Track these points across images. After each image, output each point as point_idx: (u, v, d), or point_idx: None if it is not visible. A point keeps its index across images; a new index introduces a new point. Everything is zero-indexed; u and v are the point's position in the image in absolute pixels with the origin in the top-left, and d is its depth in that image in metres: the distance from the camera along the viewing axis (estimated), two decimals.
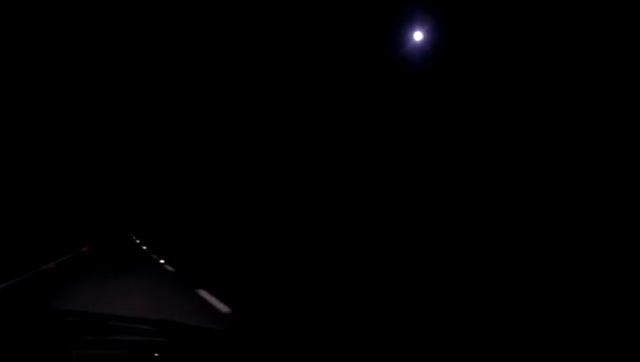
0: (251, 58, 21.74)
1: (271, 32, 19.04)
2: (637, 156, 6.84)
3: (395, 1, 11.94)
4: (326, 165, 15.94)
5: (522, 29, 8.70)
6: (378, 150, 13.12)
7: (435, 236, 10.56)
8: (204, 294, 7.50)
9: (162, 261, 15.03)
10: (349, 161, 14.57)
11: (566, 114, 8.00)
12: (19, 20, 21.71)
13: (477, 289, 7.45)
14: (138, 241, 35.18)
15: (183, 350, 1.59)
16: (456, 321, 5.53)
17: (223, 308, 6.50)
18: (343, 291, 8.18)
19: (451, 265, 9.28)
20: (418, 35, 11.08)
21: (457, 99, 10.42)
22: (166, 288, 8.54)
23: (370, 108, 13.32)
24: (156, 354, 1.51)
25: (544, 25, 8.28)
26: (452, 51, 10.47)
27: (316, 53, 15.82)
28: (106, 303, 6.32)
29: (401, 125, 12.17)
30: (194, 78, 31.78)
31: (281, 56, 18.77)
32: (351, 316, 5.86)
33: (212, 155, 32.64)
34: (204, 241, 24.99)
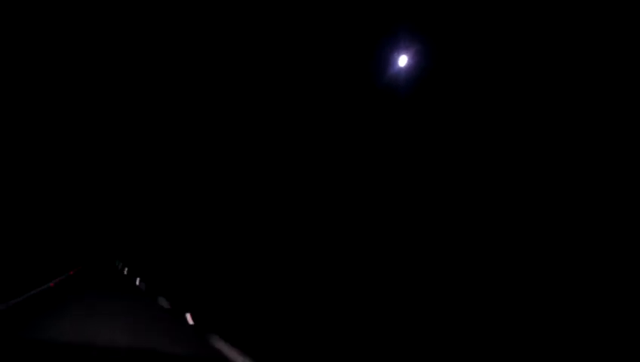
0: (235, 82, 21.76)
1: (262, 48, 19.09)
2: (637, 156, 6.82)
3: (380, 26, 12.02)
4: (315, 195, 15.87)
5: (509, 52, 8.76)
6: (366, 171, 13.09)
7: (435, 238, 10.50)
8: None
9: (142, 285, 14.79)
10: (337, 185, 14.51)
11: (557, 138, 8.00)
12: (19, 20, 21.53)
13: (477, 289, 7.37)
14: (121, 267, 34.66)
15: None
16: (456, 321, 5.47)
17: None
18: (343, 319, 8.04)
19: (452, 265, 9.20)
20: (403, 60, 11.13)
21: (444, 123, 10.43)
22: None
23: (357, 131, 13.32)
24: None
25: (531, 45, 8.34)
26: (437, 75, 10.52)
27: (300, 78, 15.87)
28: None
29: (387, 150, 12.15)
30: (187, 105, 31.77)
31: (269, 74, 18.81)
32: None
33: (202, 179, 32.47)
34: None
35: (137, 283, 17.75)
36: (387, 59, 11.34)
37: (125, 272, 26.23)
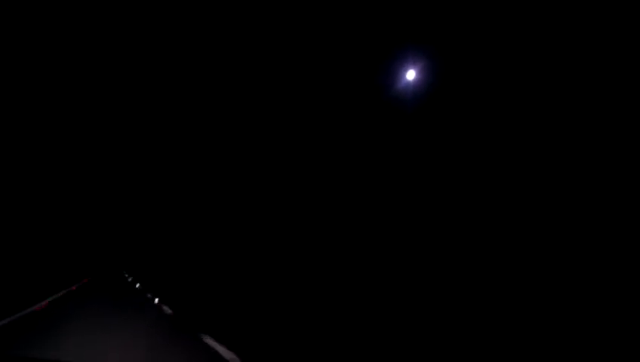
0: (239, 85, 21.95)
1: (266, 59, 19.27)
2: (637, 156, 6.81)
3: (387, 40, 12.13)
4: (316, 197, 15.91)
5: (514, 64, 8.82)
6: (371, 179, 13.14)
7: (434, 240, 10.49)
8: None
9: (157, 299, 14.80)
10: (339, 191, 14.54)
11: (557, 143, 8.03)
12: (19, 20, 21.74)
13: (477, 289, 7.36)
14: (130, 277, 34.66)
15: None
16: (456, 321, 5.46)
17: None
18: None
19: (451, 265, 9.19)
20: (411, 74, 11.21)
21: (450, 136, 10.48)
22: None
23: (363, 143, 13.38)
24: None
25: (536, 56, 8.40)
26: (444, 89, 10.58)
27: (306, 86, 16.00)
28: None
29: (394, 163, 12.20)
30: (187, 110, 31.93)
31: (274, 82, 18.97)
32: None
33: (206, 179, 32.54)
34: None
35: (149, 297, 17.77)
36: (395, 73, 11.44)
37: (137, 286, 26.23)
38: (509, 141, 8.90)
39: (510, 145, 8.87)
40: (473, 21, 9.82)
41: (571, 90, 7.80)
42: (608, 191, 7.18)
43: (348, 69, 13.71)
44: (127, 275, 41.58)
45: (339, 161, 14.62)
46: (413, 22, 11.40)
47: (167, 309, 12.97)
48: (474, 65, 9.73)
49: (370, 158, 13.10)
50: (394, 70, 11.46)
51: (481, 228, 9.35)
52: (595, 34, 7.45)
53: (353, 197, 13.86)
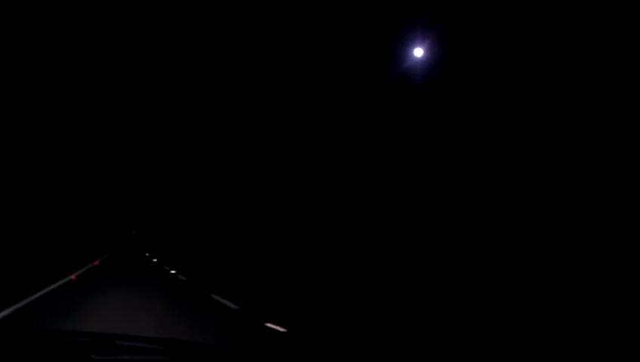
0: (255, 70, 22.08)
1: (278, 45, 19.38)
2: (637, 156, 6.91)
3: (395, 19, 12.19)
4: (329, 175, 16.14)
5: (521, 43, 8.88)
6: (379, 157, 13.34)
7: (435, 237, 10.70)
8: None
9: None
10: (351, 171, 14.76)
11: (564, 124, 8.14)
12: (19, 20, 21.89)
13: (477, 289, 7.52)
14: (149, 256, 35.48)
15: None
16: (456, 321, 5.59)
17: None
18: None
19: (451, 265, 9.40)
20: (418, 52, 11.34)
21: (456, 111, 10.62)
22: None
23: (372, 119, 13.54)
24: None
25: (543, 39, 8.46)
26: (451, 67, 10.69)
27: (319, 65, 16.10)
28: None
29: (401, 135, 12.38)
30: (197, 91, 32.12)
31: (285, 66, 19.09)
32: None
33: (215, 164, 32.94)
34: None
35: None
36: (403, 51, 11.55)
37: (155, 261, 26.99)
38: (515, 124, 9.02)
39: (517, 128, 8.98)
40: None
41: (577, 68, 7.88)
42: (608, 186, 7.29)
43: (355, 47, 13.79)
44: (145, 251, 42.50)
45: (349, 138, 14.80)
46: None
47: (182, 278, 13.93)
48: (480, 42, 9.81)
49: (380, 134, 13.27)
50: (402, 48, 11.57)
51: (487, 207, 9.55)
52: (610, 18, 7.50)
53: (363, 176, 14.07)
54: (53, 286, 10.21)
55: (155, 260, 26.83)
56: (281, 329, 5.72)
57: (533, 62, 8.63)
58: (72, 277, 12.74)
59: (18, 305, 7.58)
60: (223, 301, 8.25)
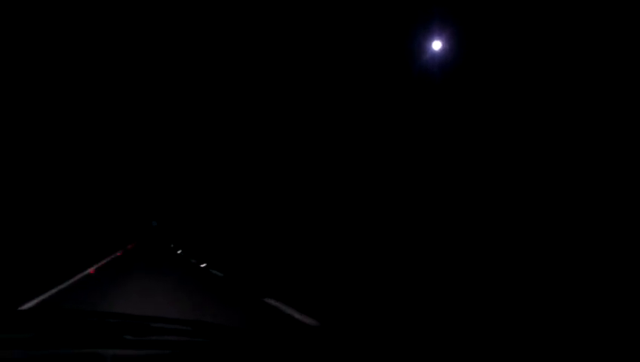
0: (265, 69, 22.24)
1: (288, 39, 19.51)
2: (637, 156, 6.92)
3: (414, 12, 12.23)
4: (335, 170, 16.25)
5: (537, 37, 8.90)
6: (385, 152, 13.40)
7: (435, 236, 10.73)
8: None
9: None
10: (357, 165, 14.85)
11: (577, 117, 8.15)
12: (19, 20, 22.14)
13: (477, 289, 7.57)
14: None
15: (217, 351, 1.76)
16: (456, 321, 5.62)
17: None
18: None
19: (451, 265, 9.50)
20: (437, 45, 11.40)
21: (472, 106, 10.67)
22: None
23: (384, 113, 13.62)
24: (192, 354, 1.67)
25: (556, 31, 8.47)
26: (469, 59, 10.72)
27: (332, 58, 16.18)
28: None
29: (414, 130, 12.45)
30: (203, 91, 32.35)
31: (296, 62, 19.21)
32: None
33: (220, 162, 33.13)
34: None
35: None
36: (421, 45, 11.61)
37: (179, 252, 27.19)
38: (535, 115, 9.04)
39: (537, 121, 9.01)
40: None
41: (591, 61, 7.89)
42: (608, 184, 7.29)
43: (373, 40, 13.85)
44: (170, 243, 43.09)
45: (358, 128, 14.89)
46: None
47: (216, 273, 13.42)
48: (497, 35, 9.83)
49: (392, 124, 13.34)
50: (420, 41, 11.63)
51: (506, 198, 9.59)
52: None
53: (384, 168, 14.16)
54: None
55: (179, 252, 27.21)
56: (314, 323, 5.69)
57: (547, 60, 8.65)
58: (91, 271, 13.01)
59: (62, 286, 7.82)
60: (288, 310, 6.70)
